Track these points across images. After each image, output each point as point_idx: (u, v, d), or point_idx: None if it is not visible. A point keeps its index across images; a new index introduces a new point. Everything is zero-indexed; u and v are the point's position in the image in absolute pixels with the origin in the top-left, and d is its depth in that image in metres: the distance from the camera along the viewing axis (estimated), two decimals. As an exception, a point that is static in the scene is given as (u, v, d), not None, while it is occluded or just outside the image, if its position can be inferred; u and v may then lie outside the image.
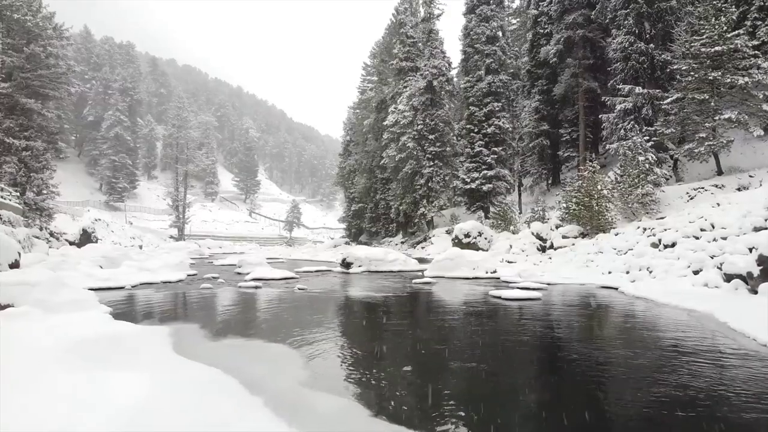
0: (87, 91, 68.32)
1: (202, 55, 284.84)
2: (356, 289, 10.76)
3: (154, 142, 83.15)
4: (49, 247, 20.71)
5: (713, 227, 11.24)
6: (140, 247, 39.65)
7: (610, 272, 11.70)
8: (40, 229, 30.42)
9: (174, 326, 5.64)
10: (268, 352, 4.58)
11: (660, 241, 12.67)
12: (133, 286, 10.14)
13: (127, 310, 7.28)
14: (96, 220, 43.76)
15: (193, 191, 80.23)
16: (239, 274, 14.13)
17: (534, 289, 9.67)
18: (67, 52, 34.45)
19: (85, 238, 32.62)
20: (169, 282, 11.38)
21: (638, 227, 14.95)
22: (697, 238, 11.35)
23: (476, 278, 12.52)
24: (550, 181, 31.67)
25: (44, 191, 29.92)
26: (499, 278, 12.20)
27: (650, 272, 10.40)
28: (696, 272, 9.62)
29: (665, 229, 13.24)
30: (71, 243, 29.24)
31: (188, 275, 13.27)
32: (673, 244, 11.80)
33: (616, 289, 9.59)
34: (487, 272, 12.81)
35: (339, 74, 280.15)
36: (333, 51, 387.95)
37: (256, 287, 10.44)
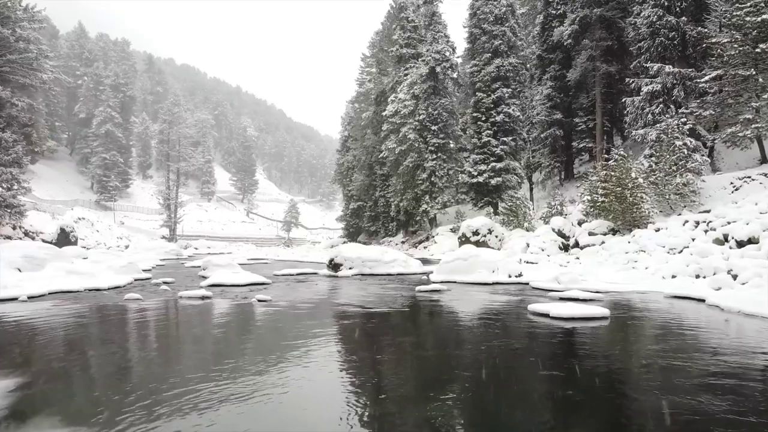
0: (75, 86, 65.72)
1: (201, 55, 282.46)
2: (339, 300, 8.10)
3: (149, 140, 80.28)
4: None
5: (808, 218, 8.67)
6: (126, 247, 37.13)
7: (673, 276, 9.00)
8: (13, 228, 28.01)
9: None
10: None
11: (727, 237, 10.11)
12: (32, 297, 7.38)
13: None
14: (79, 218, 41.25)
15: (188, 191, 77.69)
16: (203, 277, 11.52)
17: (585, 300, 6.93)
18: (40, 36, 31.88)
19: (63, 237, 30.30)
20: (98, 289, 8.70)
21: (685, 221, 12.72)
22: (787, 232, 8.79)
23: (497, 284, 9.81)
24: (563, 175, 29.02)
25: (15, 186, 27.39)
26: (527, 284, 9.44)
27: (735, 278, 7.73)
28: (806, 277, 7.01)
29: (728, 222, 10.73)
30: (47, 243, 26.81)
31: (135, 279, 10.63)
32: (750, 240, 9.21)
33: (703, 301, 6.70)
34: (510, 276, 10.09)
35: (340, 74, 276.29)
36: (334, 51, 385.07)
37: (204, 297, 7.73)
